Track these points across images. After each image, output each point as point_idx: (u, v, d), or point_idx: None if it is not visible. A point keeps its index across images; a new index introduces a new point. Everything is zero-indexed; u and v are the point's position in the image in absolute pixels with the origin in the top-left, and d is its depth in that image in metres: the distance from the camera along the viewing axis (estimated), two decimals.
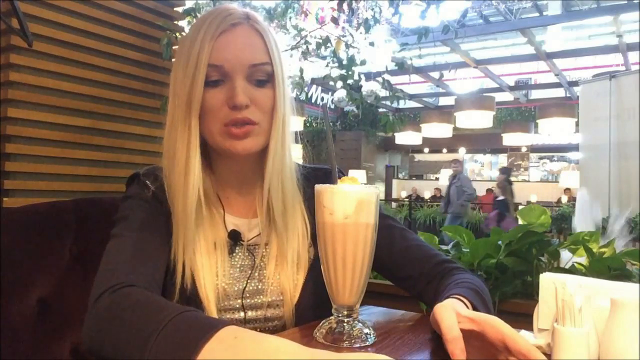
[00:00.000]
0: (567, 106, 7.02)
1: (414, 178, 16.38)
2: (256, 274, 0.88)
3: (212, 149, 0.89)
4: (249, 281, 0.87)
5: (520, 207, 9.37)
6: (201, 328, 0.57)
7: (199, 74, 0.82)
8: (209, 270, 0.84)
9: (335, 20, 2.80)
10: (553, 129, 7.03)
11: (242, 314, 0.86)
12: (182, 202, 0.83)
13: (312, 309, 0.86)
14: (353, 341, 0.71)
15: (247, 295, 0.87)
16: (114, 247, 0.79)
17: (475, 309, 0.75)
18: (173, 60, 2.21)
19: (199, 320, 0.60)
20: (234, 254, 0.89)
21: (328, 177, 0.91)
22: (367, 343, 0.71)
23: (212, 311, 0.82)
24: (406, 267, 0.93)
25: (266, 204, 0.90)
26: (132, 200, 0.88)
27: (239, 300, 0.86)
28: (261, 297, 0.87)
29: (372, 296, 0.75)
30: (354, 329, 0.73)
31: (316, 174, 0.96)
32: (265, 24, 0.89)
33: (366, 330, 0.73)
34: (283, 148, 0.88)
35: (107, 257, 0.77)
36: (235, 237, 0.88)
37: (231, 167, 0.91)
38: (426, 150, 15.29)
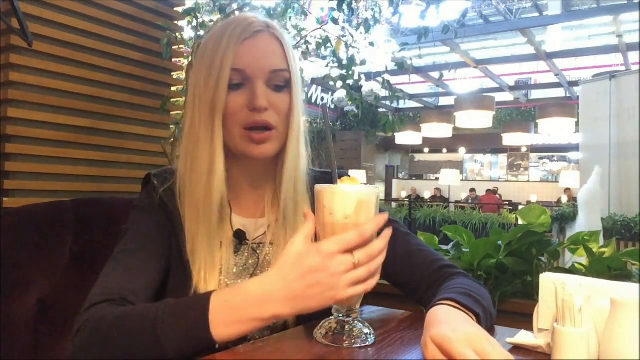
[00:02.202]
0: (567, 106, 7.02)
1: (414, 178, 16.39)
2: (259, 272, 0.89)
3: (228, 150, 0.90)
4: (251, 279, 0.88)
5: (520, 207, 9.37)
6: (195, 304, 0.69)
7: (222, 77, 0.85)
8: (212, 267, 0.85)
9: (335, 20, 2.80)
10: (553, 129, 7.03)
11: None
12: (206, 201, 0.85)
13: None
14: (353, 341, 0.71)
15: None
16: (105, 271, 0.82)
17: (467, 308, 0.75)
18: (173, 60, 2.21)
19: (185, 301, 0.71)
20: (239, 253, 0.91)
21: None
22: (367, 343, 0.71)
23: None
24: (407, 273, 0.94)
25: (277, 204, 0.92)
26: (138, 212, 0.91)
27: None
28: None
29: (372, 296, 0.75)
30: (354, 329, 0.73)
31: (325, 178, 0.97)
32: (284, 33, 0.93)
33: (366, 330, 0.73)
34: (298, 151, 0.91)
35: (98, 280, 0.81)
36: (240, 237, 0.90)
37: (245, 168, 0.93)
38: (426, 150, 15.29)
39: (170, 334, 0.66)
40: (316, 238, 0.74)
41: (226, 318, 0.67)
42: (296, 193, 0.91)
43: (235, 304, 0.68)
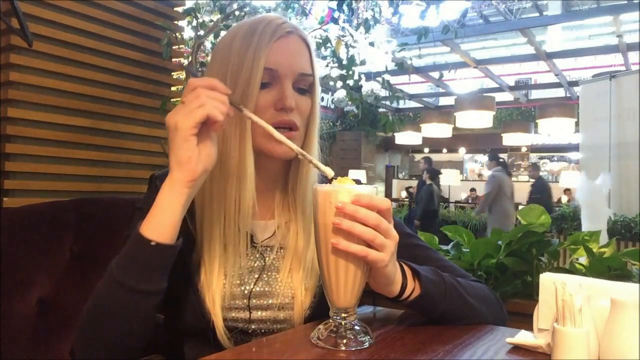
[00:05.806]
0: (567, 106, 7.01)
1: (414, 178, 16.38)
2: (264, 276, 0.89)
3: None
4: (256, 283, 0.88)
5: (520, 207, 9.35)
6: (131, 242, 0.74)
7: (255, 75, 0.84)
8: (217, 270, 0.84)
9: (335, 20, 2.80)
10: (553, 129, 7.02)
11: (247, 313, 0.86)
12: (245, 202, 0.85)
13: (322, 314, 0.86)
14: (350, 343, 0.71)
15: (254, 296, 0.87)
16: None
17: (418, 276, 0.81)
18: (173, 60, 2.21)
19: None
20: (246, 256, 0.89)
21: None
22: (365, 346, 0.71)
23: (217, 311, 0.83)
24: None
25: (286, 206, 0.92)
26: (140, 214, 0.89)
27: (245, 301, 0.86)
28: (269, 299, 0.88)
29: (372, 296, 0.75)
30: (352, 331, 0.72)
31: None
32: (310, 37, 0.93)
33: (364, 332, 0.73)
34: (313, 155, 0.90)
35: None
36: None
37: (259, 168, 0.91)
38: (426, 150, 15.28)
39: (123, 271, 0.73)
40: (316, 238, 0.74)
41: (150, 219, 0.74)
42: (308, 196, 0.91)
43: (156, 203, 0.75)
